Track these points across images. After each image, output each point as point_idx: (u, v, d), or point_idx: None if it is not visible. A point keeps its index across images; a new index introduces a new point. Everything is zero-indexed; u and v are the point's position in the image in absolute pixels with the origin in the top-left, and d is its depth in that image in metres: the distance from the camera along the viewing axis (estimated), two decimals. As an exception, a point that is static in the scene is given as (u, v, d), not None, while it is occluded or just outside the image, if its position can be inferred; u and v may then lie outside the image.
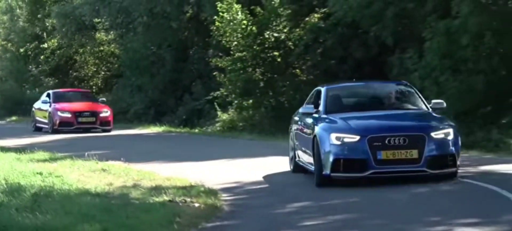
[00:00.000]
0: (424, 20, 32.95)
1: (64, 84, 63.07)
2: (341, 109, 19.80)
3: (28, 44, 65.46)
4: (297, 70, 40.37)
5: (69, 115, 41.99)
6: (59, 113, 42.19)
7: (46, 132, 42.20)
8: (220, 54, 41.89)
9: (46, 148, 32.34)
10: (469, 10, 31.53)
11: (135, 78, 52.02)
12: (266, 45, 40.36)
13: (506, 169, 22.07)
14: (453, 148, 17.71)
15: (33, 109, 47.03)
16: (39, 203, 15.65)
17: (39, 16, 64.86)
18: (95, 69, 63.32)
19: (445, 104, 20.60)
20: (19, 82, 66.32)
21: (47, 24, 63.66)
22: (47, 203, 15.72)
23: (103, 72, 62.44)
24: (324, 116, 19.25)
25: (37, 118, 45.40)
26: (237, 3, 40.37)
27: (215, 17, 41.06)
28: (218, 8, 40.54)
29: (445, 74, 31.75)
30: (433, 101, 20.36)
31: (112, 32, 57.13)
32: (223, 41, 41.09)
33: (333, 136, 17.41)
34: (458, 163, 18.06)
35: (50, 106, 43.45)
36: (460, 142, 18.44)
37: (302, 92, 37.90)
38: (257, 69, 40.38)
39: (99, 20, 55.98)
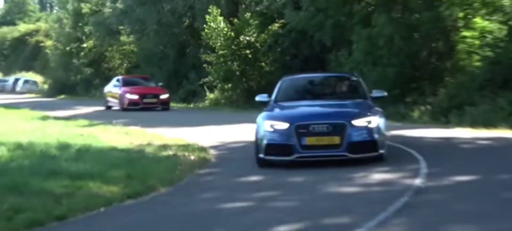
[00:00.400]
0: (352, 28, 33.01)
1: (98, 73, 63.59)
2: (290, 98, 16.35)
3: (72, 44, 65.22)
4: (263, 63, 40.30)
5: (136, 97, 39.50)
6: (127, 95, 39.76)
7: (116, 110, 40.03)
8: (208, 52, 41.74)
9: (85, 117, 32.25)
10: (384, 22, 31.69)
11: (148, 69, 51.75)
12: (241, 46, 40.32)
13: (410, 133, 22.22)
14: (375, 135, 14.41)
15: (105, 91, 44.73)
16: (81, 156, 15.66)
17: (80, 24, 64.64)
18: (119, 62, 63.12)
19: (386, 94, 17.49)
20: (66, 71, 65.99)
21: (86, 30, 63.48)
22: (87, 156, 15.76)
23: (125, 64, 62.22)
24: (273, 104, 16.11)
25: (108, 99, 42.81)
26: (220, 15, 40.49)
27: (205, 25, 41.08)
28: (207, 20, 40.61)
29: (367, 67, 31.85)
30: (374, 91, 17.08)
31: (131, 35, 56.87)
32: (210, 43, 41.03)
33: (267, 123, 14.47)
34: (380, 147, 14.53)
35: (120, 89, 40.99)
36: (384, 128, 15.05)
37: (266, 79, 38.23)
38: (234, 63, 40.32)
39: (123, 27, 55.87)
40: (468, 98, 27.51)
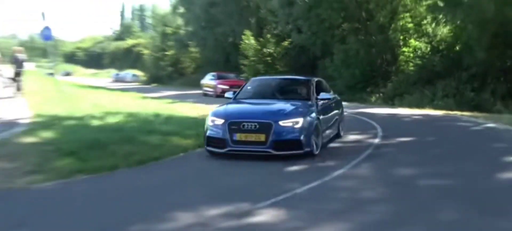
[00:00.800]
0: (334, 45, 32.89)
1: (176, 70, 63.38)
2: (249, 96, 12.36)
3: (160, 52, 65.25)
4: (278, 66, 39.77)
5: (227, 87, 33.25)
6: (220, 86, 35.83)
7: (211, 97, 35.78)
8: (244, 58, 41.41)
9: (168, 98, 32.25)
10: (353, 41, 31.75)
11: (207, 69, 51.38)
12: (264, 55, 39.92)
13: (370, 111, 21.94)
14: (301, 135, 10.27)
15: (202, 82, 41.03)
16: (168, 121, 15.67)
17: (165, 40, 64.70)
18: (189, 64, 62.71)
19: (331, 96, 12.61)
20: (156, 69, 65.65)
21: (168, 43, 63.46)
22: (171, 121, 15.66)
23: (192, 66, 61.90)
24: (232, 101, 12.44)
25: (205, 88, 39.03)
26: (251, 36, 40.35)
27: (241, 42, 40.97)
28: (243, 38, 40.54)
29: (342, 69, 31.80)
30: (322, 93, 12.05)
31: (197, 47, 56.72)
32: (245, 52, 40.78)
33: (210, 118, 10.89)
34: (306, 145, 10.28)
35: (214, 81, 37.55)
36: (313, 129, 10.55)
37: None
38: (260, 65, 39.84)
39: (191, 42, 55.95)
40: (406, 90, 27.73)
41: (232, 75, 40.10)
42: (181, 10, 58.64)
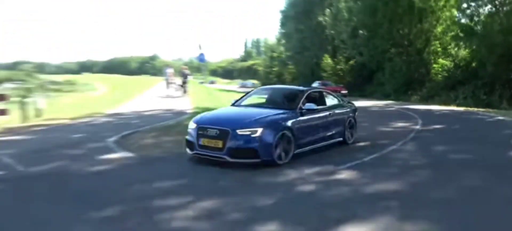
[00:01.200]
0: (385, 63, 31.51)
1: (279, 80, 58.95)
2: (247, 103, 8.40)
3: (269, 68, 64.72)
4: (347, 78, 38.65)
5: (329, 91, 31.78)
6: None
7: None
8: (323, 72, 40.56)
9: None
10: (398, 60, 30.29)
11: (300, 80, 50.83)
12: (337, 70, 39.06)
13: (411, 107, 20.43)
14: (257, 145, 6.66)
15: None
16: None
17: (272, 61, 64.32)
18: (288, 76, 61.21)
19: (314, 106, 7.78)
20: (266, 79, 64.53)
21: (274, 63, 63.06)
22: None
23: (290, 77, 60.15)
24: (228, 106, 8.56)
25: None
26: (329, 57, 39.60)
27: (322, 61, 40.37)
28: (323, 59, 39.83)
29: (391, 79, 30.50)
30: (307, 104, 7.73)
31: (293, 65, 55.83)
32: (324, 68, 40.02)
33: (190, 123, 7.46)
34: (263, 155, 6.70)
35: (320, 87, 34.79)
36: (277, 139, 6.84)
37: (348, 85, 36.06)
38: (334, 77, 38.92)
39: (289, 62, 55.66)
40: (436, 93, 26.25)
41: (328, 82, 36.06)
42: (283, 41, 58.53)
